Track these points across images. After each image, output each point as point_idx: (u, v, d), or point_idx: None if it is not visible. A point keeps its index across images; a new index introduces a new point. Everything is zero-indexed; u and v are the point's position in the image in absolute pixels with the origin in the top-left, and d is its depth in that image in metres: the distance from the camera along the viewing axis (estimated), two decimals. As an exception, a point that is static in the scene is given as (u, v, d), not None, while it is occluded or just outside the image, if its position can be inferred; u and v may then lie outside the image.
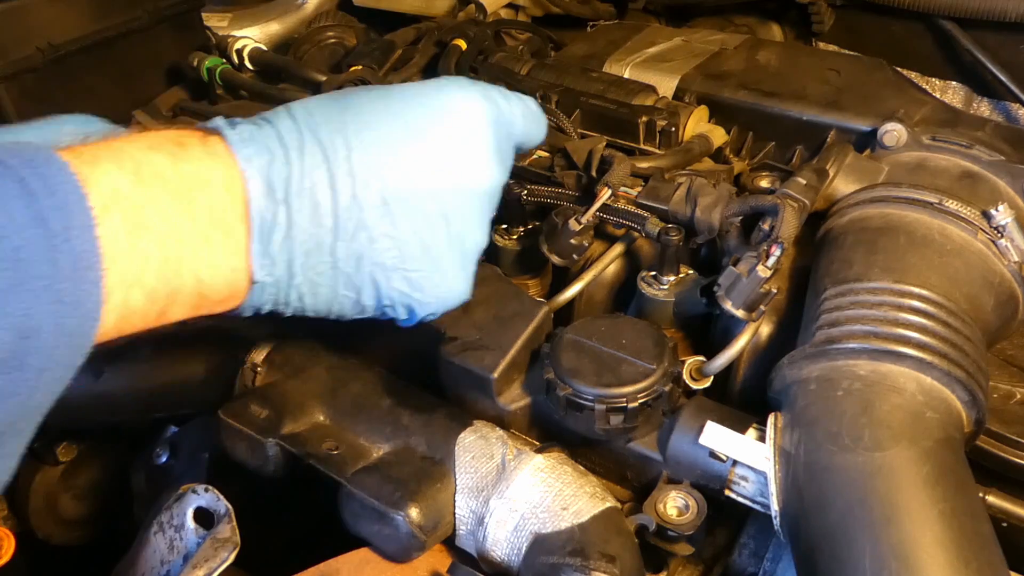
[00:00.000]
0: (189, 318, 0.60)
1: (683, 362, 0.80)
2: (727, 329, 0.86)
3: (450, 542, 0.75)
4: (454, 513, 0.73)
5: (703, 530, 0.74)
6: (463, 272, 0.67)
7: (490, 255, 0.98)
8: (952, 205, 0.82)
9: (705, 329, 0.89)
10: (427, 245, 0.64)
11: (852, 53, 1.39)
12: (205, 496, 0.75)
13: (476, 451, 0.73)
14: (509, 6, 1.52)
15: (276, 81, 1.29)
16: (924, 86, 1.31)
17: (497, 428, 0.76)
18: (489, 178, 0.66)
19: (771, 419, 0.73)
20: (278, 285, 0.62)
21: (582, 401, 0.74)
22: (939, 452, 0.65)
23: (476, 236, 0.67)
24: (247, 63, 1.30)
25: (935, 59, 1.34)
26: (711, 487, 0.75)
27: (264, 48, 1.35)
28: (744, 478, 0.73)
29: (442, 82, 0.68)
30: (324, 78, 1.22)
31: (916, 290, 0.74)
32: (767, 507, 0.71)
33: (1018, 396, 0.84)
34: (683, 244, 0.87)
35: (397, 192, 0.63)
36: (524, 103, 0.72)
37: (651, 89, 1.11)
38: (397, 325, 0.69)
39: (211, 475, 0.90)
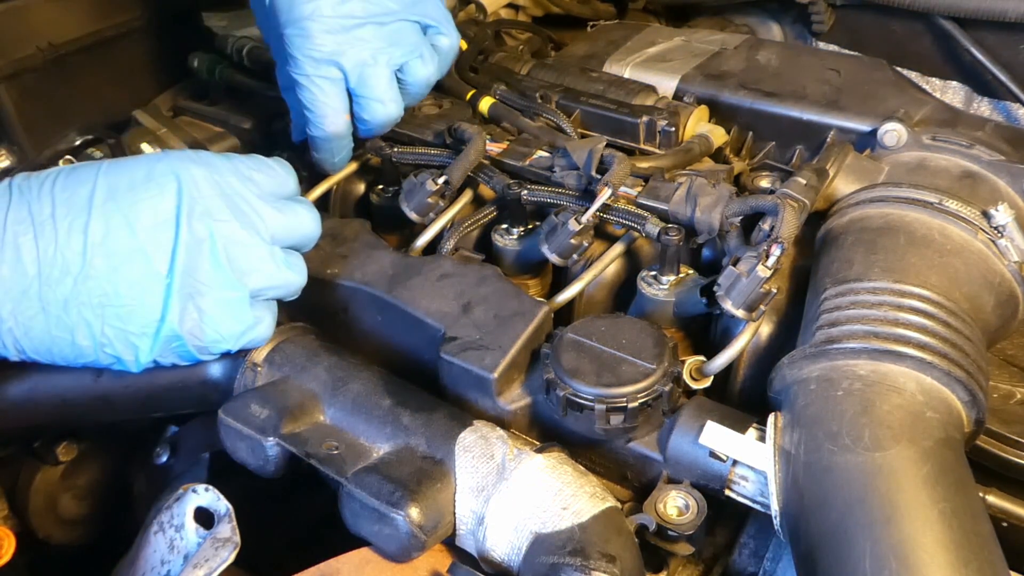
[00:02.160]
0: None
1: (683, 362, 0.80)
2: (727, 329, 0.86)
3: (450, 542, 0.75)
4: (454, 513, 0.73)
5: (703, 530, 0.74)
6: (173, 298, 0.75)
7: (490, 255, 0.98)
8: (952, 205, 0.83)
9: (705, 329, 0.89)
10: (131, 281, 0.74)
11: (852, 53, 1.39)
12: (205, 496, 0.75)
13: (476, 451, 0.73)
14: (509, 6, 1.52)
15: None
16: (924, 86, 1.31)
17: (497, 428, 0.76)
18: (166, 231, 0.76)
19: (771, 419, 0.73)
20: None
21: (582, 401, 0.74)
22: (939, 452, 0.65)
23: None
24: (247, 63, 1.30)
25: (935, 59, 1.34)
26: (711, 487, 0.75)
27: (264, 48, 1.35)
28: (744, 478, 0.73)
29: (157, 156, 0.80)
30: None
31: (916, 290, 0.74)
32: (767, 507, 0.71)
33: (1018, 396, 0.84)
34: (683, 244, 0.87)
35: (95, 240, 0.74)
36: (254, 161, 0.84)
37: (651, 89, 1.11)
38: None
39: (211, 475, 0.90)
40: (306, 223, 0.86)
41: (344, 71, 0.97)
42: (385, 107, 1.00)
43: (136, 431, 1.04)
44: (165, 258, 0.75)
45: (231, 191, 0.80)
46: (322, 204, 1.09)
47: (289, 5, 0.96)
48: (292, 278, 0.83)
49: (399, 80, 1.02)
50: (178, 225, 0.76)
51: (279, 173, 0.86)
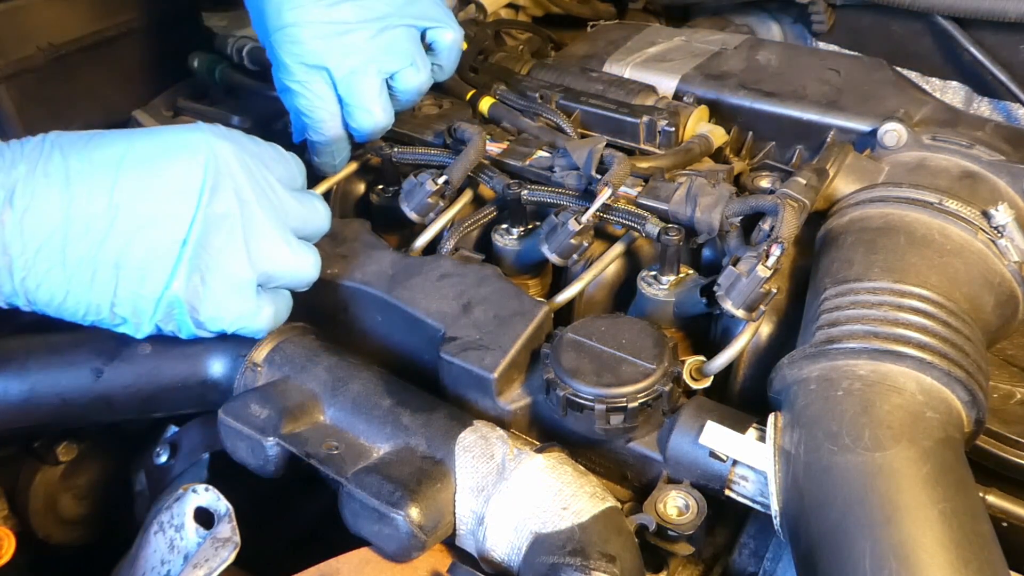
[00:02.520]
0: None
1: (683, 362, 0.80)
2: (727, 329, 0.86)
3: (450, 542, 0.75)
4: (454, 513, 0.73)
5: (703, 530, 0.74)
6: (181, 266, 0.77)
7: (490, 255, 0.98)
8: (952, 205, 0.83)
9: (705, 329, 0.89)
10: (148, 246, 0.76)
11: (852, 53, 1.39)
12: (205, 496, 0.75)
13: (476, 451, 0.73)
14: (509, 6, 1.52)
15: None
16: (924, 86, 1.31)
17: (497, 428, 0.76)
18: (187, 206, 0.77)
19: (771, 419, 0.73)
20: (9, 270, 0.73)
21: (582, 401, 0.74)
22: (939, 452, 0.65)
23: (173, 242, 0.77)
24: (247, 63, 1.30)
25: (935, 59, 1.34)
26: (711, 487, 0.75)
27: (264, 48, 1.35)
28: (744, 478, 0.73)
29: (189, 127, 0.80)
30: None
31: (916, 290, 0.74)
32: (767, 507, 0.71)
33: (1018, 396, 0.84)
34: (683, 244, 0.87)
35: (120, 201, 0.74)
36: (271, 148, 0.85)
37: (651, 89, 1.11)
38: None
39: (211, 475, 0.90)
40: (321, 215, 0.88)
41: (333, 79, 0.97)
42: (373, 116, 0.99)
43: (136, 431, 1.04)
44: (183, 227, 0.76)
45: (258, 173, 0.81)
46: (322, 204, 1.09)
47: (278, 10, 0.95)
48: (305, 268, 0.84)
49: (390, 87, 1.01)
50: (200, 197, 0.77)
51: (293, 166, 0.88)
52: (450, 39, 1.04)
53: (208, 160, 0.77)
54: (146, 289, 0.77)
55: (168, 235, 0.76)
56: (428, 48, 1.05)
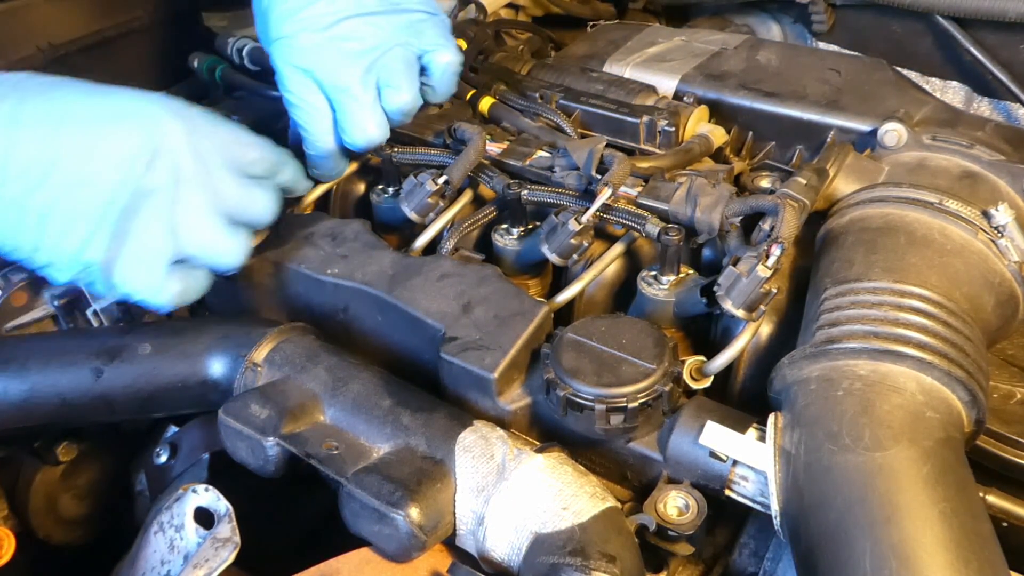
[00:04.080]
0: None
1: (683, 362, 0.80)
2: (727, 329, 0.86)
3: (450, 542, 0.75)
4: (454, 513, 0.73)
5: (703, 530, 0.74)
6: (102, 230, 0.78)
7: (490, 255, 0.98)
8: (952, 205, 0.83)
9: (705, 329, 0.89)
10: (74, 204, 0.77)
11: (852, 53, 1.39)
12: (205, 496, 0.75)
13: (476, 451, 0.73)
14: (509, 6, 1.52)
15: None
16: (924, 86, 1.31)
17: (497, 428, 0.76)
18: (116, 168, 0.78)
19: (771, 419, 0.73)
20: None
21: (582, 401, 0.74)
22: (939, 452, 0.65)
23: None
24: (247, 63, 1.30)
25: (935, 59, 1.34)
26: (711, 487, 0.75)
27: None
28: (744, 478, 0.73)
29: (143, 95, 0.83)
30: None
31: (916, 290, 0.74)
32: (767, 507, 0.71)
33: (1018, 396, 0.84)
34: (683, 244, 0.87)
35: (57, 156, 0.76)
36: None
37: (651, 89, 1.11)
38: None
39: (211, 475, 0.90)
40: (260, 205, 0.88)
41: (326, 91, 0.96)
42: (367, 132, 0.98)
43: (136, 431, 1.04)
44: (111, 192, 0.78)
45: (204, 152, 0.82)
46: (322, 204, 1.09)
47: (279, 20, 0.95)
48: (229, 253, 0.85)
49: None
50: (134, 166, 0.78)
51: (253, 151, 0.88)
52: (444, 61, 1.02)
53: (151, 131, 0.79)
54: (66, 244, 0.79)
55: (96, 197, 0.78)
56: (423, 70, 1.03)
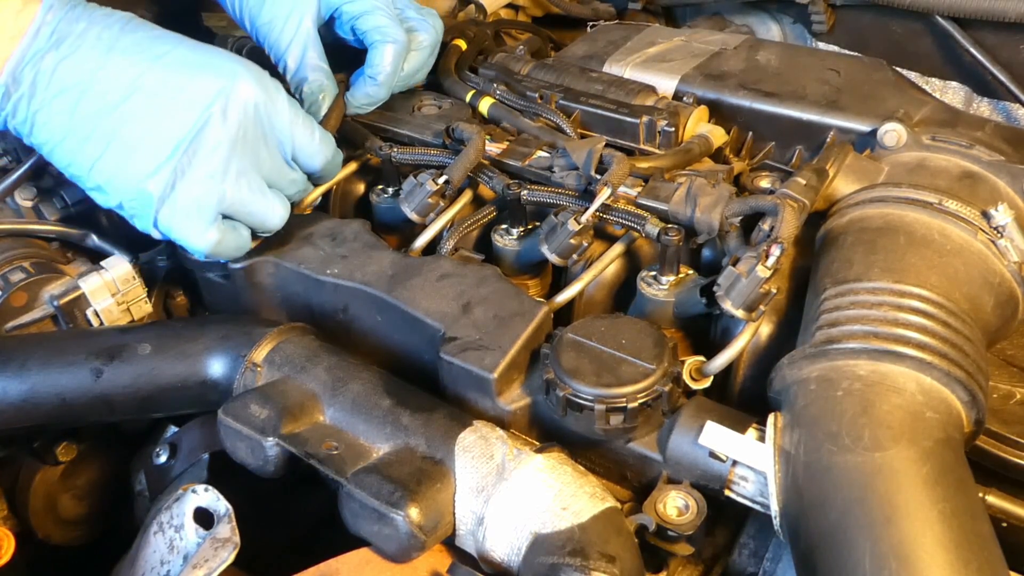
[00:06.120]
0: None
1: (683, 362, 0.80)
2: (727, 329, 0.86)
3: (450, 542, 0.75)
4: (454, 513, 0.73)
5: (703, 530, 0.74)
6: (167, 165, 0.84)
7: (490, 255, 0.98)
8: (952, 205, 0.83)
9: (705, 329, 0.89)
10: (143, 135, 0.83)
11: (852, 53, 1.39)
12: (205, 496, 0.75)
13: (476, 451, 0.73)
14: (509, 6, 1.53)
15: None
16: (924, 86, 1.31)
17: (497, 428, 0.76)
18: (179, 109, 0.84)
19: (771, 419, 0.73)
20: (30, 100, 0.82)
21: (582, 401, 0.74)
22: (939, 452, 0.65)
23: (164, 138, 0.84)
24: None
25: (935, 59, 1.34)
26: (711, 487, 0.75)
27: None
28: (744, 478, 0.73)
29: (229, 57, 0.88)
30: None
31: (916, 290, 0.74)
32: (767, 507, 0.71)
33: (1018, 396, 0.84)
34: (683, 244, 0.87)
35: (141, 86, 0.83)
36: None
37: (651, 89, 1.11)
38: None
39: (211, 475, 0.90)
40: (290, 186, 0.94)
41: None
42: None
43: (136, 431, 1.04)
44: (183, 132, 0.83)
45: (265, 122, 0.88)
46: (322, 204, 1.09)
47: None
48: (273, 214, 0.90)
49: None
50: (208, 115, 0.84)
51: (308, 134, 0.93)
52: (388, 52, 1.06)
53: (228, 90, 0.84)
54: (128, 170, 0.84)
55: (171, 132, 0.83)
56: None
